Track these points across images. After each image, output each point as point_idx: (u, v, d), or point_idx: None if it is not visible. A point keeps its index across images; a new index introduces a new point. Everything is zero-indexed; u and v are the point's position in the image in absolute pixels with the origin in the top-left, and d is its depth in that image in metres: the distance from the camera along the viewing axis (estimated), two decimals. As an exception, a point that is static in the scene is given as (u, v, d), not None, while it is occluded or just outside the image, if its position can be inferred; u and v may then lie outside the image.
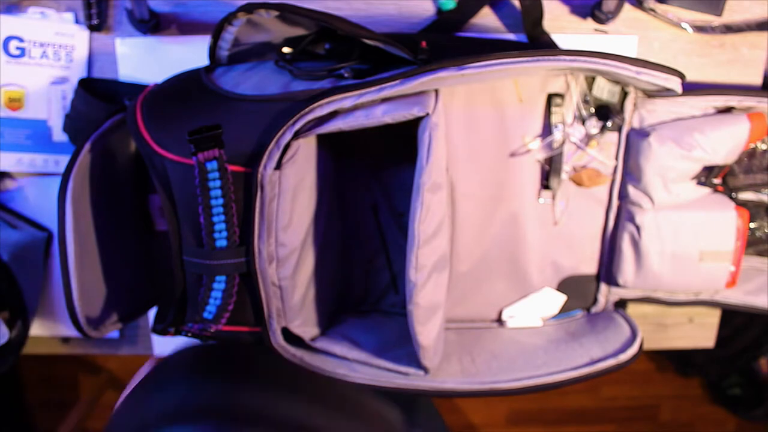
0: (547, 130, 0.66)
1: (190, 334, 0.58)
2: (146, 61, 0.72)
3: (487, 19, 0.72)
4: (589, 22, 0.73)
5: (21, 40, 0.70)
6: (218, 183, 0.55)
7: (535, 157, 0.67)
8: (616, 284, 0.72)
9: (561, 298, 0.73)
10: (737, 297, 0.74)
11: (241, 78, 0.60)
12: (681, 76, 0.61)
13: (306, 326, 0.62)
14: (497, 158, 0.67)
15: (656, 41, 0.74)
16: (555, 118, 0.66)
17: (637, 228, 0.68)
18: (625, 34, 0.73)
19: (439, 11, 0.71)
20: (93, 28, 0.70)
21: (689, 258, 0.69)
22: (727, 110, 0.68)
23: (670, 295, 0.74)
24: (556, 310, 0.73)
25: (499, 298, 0.72)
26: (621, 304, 0.76)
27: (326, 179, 0.63)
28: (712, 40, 0.74)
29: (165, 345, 0.83)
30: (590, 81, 0.66)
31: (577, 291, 0.73)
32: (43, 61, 0.71)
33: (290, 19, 0.60)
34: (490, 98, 0.65)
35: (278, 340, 0.59)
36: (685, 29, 0.73)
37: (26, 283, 0.75)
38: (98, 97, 0.67)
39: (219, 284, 0.57)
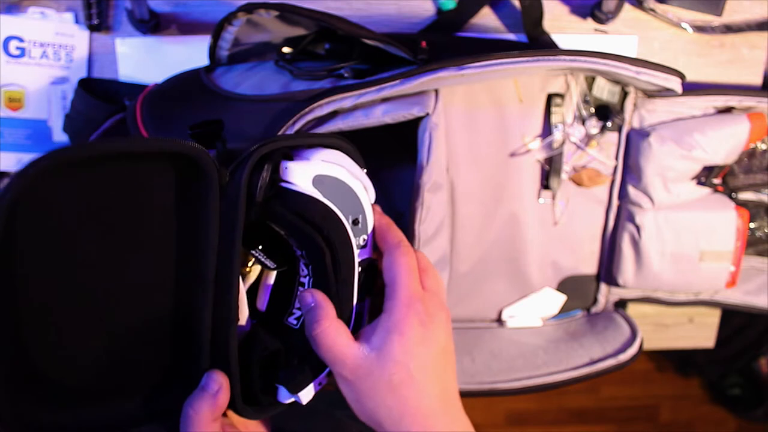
0: (547, 130, 0.66)
1: None
2: (146, 61, 0.71)
3: (487, 19, 0.72)
4: (589, 22, 0.73)
5: (21, 40, 0.70)
6: (218, 183, 0.55)
7: (535, 157, 0.67)
8: (616, 284, 0.72)
9: (561, 298, 0.73)
10: (737, 297, 0.74)
11: (241, 78, 0.60)
12: (681, 76, 0.61)
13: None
14: (497, 158, 0.67)
15: (656, 41, 0.74)
16: (555, 118, 0.66)
17: (637, 228, 0.68)
18: (625, 34, 0.73)
19: (439, 11, 0.71)
20: (93, 28, 0.70)
21: (689, 258, 0.69)
22: (727, 110, 0.68)
23: (670, 295, 0.74)
24: (556, 310, 0.73)
25: (499, 298, 0.72)
26: (621, 304, 0.76)
27: (326, 179, 0.63)
28: (712, 40, 0.74)
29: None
30: (590, 81, 0.66)
31: (577, 291, 0.73)
32: (43, 61, 0.71)
33: (290, 19, 0.60)
34: (490, 98, 0.65)
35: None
36: (685, 29, 0.73)
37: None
38: (98, 97, 0.67)
39: None
